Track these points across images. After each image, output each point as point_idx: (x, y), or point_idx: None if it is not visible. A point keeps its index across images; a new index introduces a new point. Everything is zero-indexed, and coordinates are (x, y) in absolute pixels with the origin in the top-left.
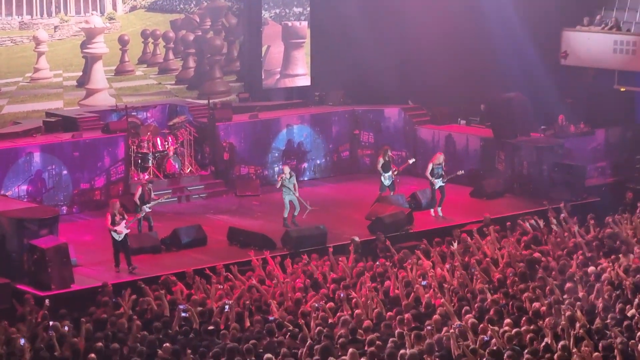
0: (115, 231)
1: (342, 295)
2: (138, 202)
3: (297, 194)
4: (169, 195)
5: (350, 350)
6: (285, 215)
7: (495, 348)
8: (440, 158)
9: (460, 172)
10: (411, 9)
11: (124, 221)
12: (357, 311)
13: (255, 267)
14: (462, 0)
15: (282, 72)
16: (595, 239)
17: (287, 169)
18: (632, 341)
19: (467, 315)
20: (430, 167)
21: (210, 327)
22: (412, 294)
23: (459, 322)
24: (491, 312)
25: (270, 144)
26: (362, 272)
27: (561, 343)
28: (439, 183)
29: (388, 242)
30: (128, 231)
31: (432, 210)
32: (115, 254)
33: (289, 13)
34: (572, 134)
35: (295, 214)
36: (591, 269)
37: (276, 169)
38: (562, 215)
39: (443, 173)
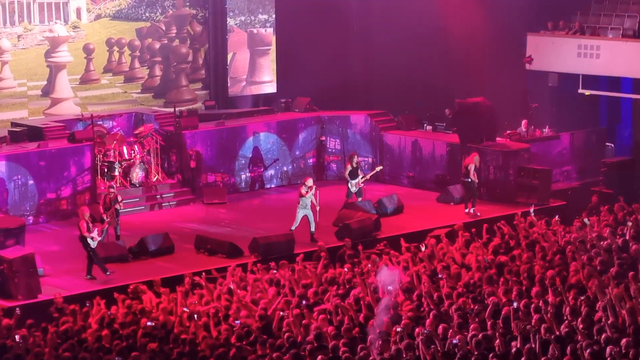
0: (92, 238)
1: (303, 303)
2: (107, 209)
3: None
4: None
5: (319, 357)
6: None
7: (463, 352)
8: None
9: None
10: (375, 15)
11: (96, 229)
12: (323, 317)
13: (227, 275)
14: (426, 6)
15: (248, 79)
16: (566, 243)
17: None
18: (598, 345)
19: (434, 320)
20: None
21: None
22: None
23: (426, 328)
24: (458, 317)
25: (236, 152)
26: (330, 278)
27: (527, 346)
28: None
29: (360, 247)
30: (100, 239)
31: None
32: (90, 262)
33: (254, 20)
34: (538, 138)
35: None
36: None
37: (243, 176)
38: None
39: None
